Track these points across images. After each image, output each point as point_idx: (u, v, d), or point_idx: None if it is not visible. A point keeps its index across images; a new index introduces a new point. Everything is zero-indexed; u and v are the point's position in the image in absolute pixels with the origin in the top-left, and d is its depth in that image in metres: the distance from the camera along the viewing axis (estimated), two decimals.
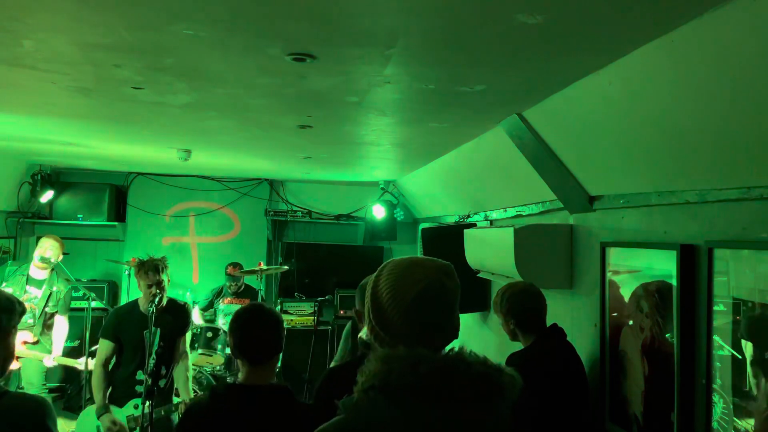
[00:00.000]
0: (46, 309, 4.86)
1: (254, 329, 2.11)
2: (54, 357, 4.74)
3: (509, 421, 1.34)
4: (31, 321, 4.76)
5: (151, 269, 3.65)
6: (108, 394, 3.68)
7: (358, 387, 1.27)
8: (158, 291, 3.64)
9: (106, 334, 3.73)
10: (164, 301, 3.70)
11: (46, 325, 4.91)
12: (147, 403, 3.30)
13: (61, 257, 4.98)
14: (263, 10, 1.59)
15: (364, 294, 2.40)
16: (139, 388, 3.62)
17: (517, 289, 2.67)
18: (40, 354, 4.73)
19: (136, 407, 3.63)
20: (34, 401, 1.83)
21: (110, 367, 3.75)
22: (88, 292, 5.03)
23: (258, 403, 2.03)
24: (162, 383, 3.69)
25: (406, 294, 1.32)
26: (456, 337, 1.39)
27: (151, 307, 3.54)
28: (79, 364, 4.75)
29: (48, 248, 4.86)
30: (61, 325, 4.91)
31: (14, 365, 4.60)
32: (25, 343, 4.73)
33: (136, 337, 3.69)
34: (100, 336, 3.80)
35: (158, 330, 3.58)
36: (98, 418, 3.58)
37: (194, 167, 5.86)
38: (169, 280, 3.76)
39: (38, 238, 5.09)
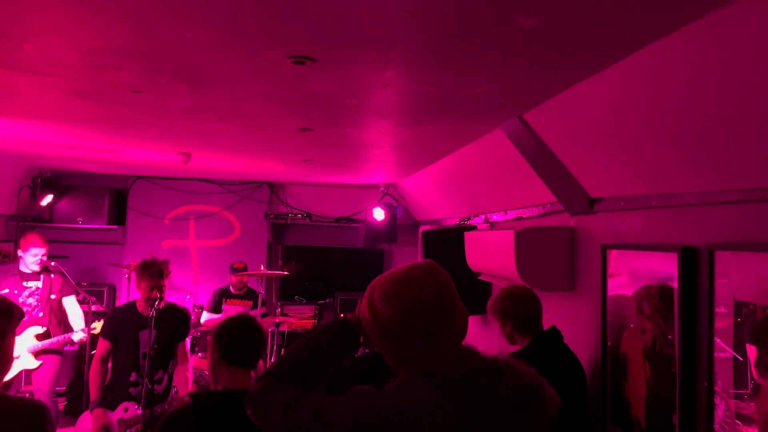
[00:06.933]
0: (51, 296, 4.80)
1: (245, 333, 2.23)
2: (81, 330, 4.66)
3: None
4: (38, 309, 4.67)
5: (156, 274, 3.67)
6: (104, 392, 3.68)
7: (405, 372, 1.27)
8: (158, 295, 3.65)
9: (105, 333, 3.76)
10: (161, 304, 3.68)
11: (54, 314, 4.77)
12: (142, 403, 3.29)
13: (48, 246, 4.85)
14: (263, 13, 1.59)
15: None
16: (133, 390, 3.66)
17: (513, 292, 2.67)
18: (65, 337, 4.62)
19: (125, 410, 3.62)
20: (32, 406, 1.82)
21: (108, 365, 3.78)
22: (87, 296, 5.01)
23: (242, 407, 2.04)
24: (158, 386, 3.68)
25: (418, 312, 1.31)
26: (467, 314, 1.40)
27: (150, 308, 3.54)
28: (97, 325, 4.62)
29: (35, 243, 4.71)
30: (74, 304, 4.86)
31: (33, 363, 4.56)
32: (37, 336, 4.60)
33: (130, 337, 3.71)
34: (99, 335, 3.83)
35: (154, 332, 3.56)
36: (90, 412, 3.58)
37: (194, 170, 5.85)
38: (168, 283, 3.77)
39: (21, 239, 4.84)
